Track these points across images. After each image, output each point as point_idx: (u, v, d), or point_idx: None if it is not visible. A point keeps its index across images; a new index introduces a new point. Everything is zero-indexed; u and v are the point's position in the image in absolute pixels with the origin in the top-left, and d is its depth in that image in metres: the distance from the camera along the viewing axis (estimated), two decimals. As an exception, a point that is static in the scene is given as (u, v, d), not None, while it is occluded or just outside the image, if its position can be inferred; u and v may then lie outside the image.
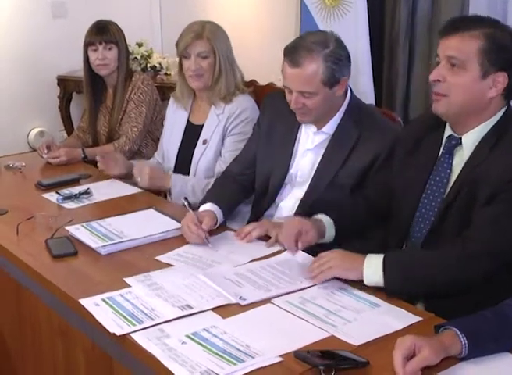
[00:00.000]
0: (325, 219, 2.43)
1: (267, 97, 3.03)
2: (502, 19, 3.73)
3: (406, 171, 2.39)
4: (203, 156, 3.24)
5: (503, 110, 2.21)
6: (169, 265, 2.35)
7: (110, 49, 3.77)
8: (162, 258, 2.41)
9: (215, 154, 3.21)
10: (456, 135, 2.24)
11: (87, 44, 3.80)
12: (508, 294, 2.12)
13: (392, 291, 2.10)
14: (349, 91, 2.74)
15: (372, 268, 2.11)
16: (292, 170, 2.79)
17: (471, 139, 2.20)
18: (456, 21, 2.23)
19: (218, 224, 2.64)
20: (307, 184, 2.74)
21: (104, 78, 3.89)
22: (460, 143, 2.22)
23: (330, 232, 2.42)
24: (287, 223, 2.40)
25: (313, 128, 2.74)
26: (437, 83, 2.18)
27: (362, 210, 2.54)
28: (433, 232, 2.24)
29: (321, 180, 2.70)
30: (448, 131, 2.27)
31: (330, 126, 2.71)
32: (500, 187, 2.07)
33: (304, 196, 2.73)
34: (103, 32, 3.77)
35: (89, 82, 3.92)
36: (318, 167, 2.72)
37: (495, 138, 2.16)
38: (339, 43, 2.65)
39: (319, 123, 2.71)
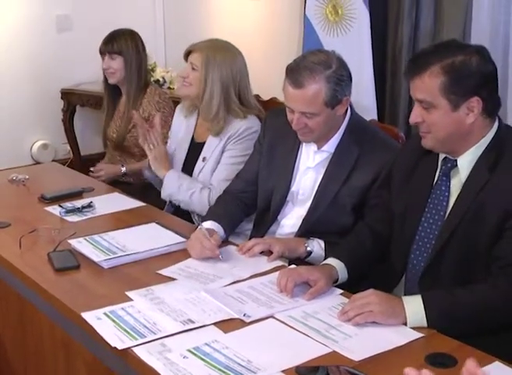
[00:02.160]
0: (336, 263, 2.35)
1: (268, 115, 3.03)
2: (504, 35, 3.77)
3: (404, 195, 2.37)
4: (201, 173, 3.25)
5: (494, 130, 2.19)
6: (172, 279, 2.35)
7: (114, 59, 3.89)
8: (164, 272, 2.41)
9: (211, 170, 3.23)
10: (451, 157, 2.24)
11: (100, 52, 3.96)
12: None
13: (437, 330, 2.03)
14: (349, 108, 2.72)
15: (415, 314, 2.02)
16: (293, 188, 2.78)
17: (466, 161, 2.20)
18: (414, 60, 2.22)
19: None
20: (309, 202, 2.73)
21: (118, 85, 3.98)
22: (456, 165, 2.22)
23: (343, 275, 2.34)
24: (292, 271, 2.31)
25: (314, 146, 2.73)
26: (418, 124, 2.20)
27: (370, 244, 2.48)
28: (435, 256, 2.22)
29: (323, 198, 2.69)
30: (443, 154, 2.27)
31: (331, 145, 2.70)
32: (510, 210, 2.06)
33: (307, 214, 2.73)
34: (108, 43, 3.92)
35: (106, 88, 4.05)
36: (319, 185, 2.72)
37: (492, 159, 2.15)
38: (341, 63, 2.62)
39: (320, 141, 2.70)
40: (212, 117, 3.19)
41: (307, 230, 2.70)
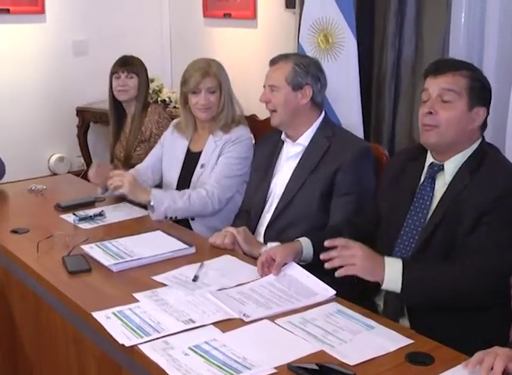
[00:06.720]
0: (303, 239, 2.41)
1: (260, 138, 3.15)
2: (478, 64, 3.78)
3: (390, 197, 2.40)
4: (200, 178, 3.24)
5: (478, 142, 2.25)
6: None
7: (131, 78, 3.86)
8: (158, 278, 2.36)
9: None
10: (437, 162, 2.27)
11: (112, 73, 3.89)
12: (494, 322, 2.11)
13: (405, 300, 2.08)
14: (323, 112, 2.87)
15: (392, 276, 2.03)
16: (272, 184, 2.88)
17: (452, 165, 2.23)
18: (444, 62, 2.34)
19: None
20: (282, 190, 2.82)
21: (124, 106, 3.93)
22: (442, 169, 2.25)
23: (307, 251, 2.39)
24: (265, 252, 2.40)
25: (290, 142, 2.86)
26: (428, 116, 2.21)
27: (346, 234, 2.41)
28: (418, 250, 2.22)
29: (293, 184, 2.78)
30: (430, 159, 2.30)
31: (305, 139, 2.82)
32: (485, 208, 2.08)
33: (280, 200, 2.80)
34: (126, 64, 3.89)
35: (113, 109, 3.99)
36: (292, 173, 2.81)
37: (475, 164, 2.19)
38: (316, 62, 2.90)
39: (293, 135, 2.84)
40: (229, 123, 3.24)
41: (277, 215, 2.79)
